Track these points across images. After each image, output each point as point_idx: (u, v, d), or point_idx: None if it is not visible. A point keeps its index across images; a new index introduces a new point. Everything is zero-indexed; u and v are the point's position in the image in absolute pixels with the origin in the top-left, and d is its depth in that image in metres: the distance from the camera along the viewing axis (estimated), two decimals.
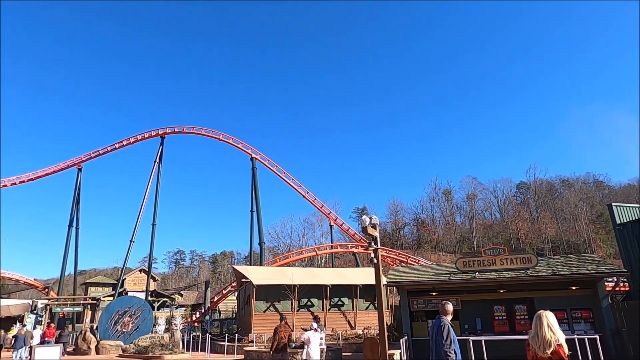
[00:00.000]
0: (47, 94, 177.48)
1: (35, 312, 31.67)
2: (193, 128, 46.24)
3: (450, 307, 6.60)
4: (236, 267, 30.86)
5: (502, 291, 15.64)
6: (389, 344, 12.09)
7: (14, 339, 24.08)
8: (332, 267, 46.09)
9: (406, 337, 14.56)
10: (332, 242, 48.96)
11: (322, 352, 14.31)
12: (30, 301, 36.63)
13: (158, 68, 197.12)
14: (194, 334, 27.53)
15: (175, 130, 45.98)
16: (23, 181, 45.54)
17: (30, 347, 24.11)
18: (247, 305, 26.81)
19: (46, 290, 60.09)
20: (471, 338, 13.12)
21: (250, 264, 40.41)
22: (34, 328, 28.74)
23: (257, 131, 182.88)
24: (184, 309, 49.80)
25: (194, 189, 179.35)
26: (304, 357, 13.15)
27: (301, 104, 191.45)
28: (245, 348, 19.49)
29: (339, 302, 26.33)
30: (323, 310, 25.46)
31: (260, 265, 36.10)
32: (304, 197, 47.60)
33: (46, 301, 35.66)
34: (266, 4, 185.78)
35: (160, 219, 43.38)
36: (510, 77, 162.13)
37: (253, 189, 42.42)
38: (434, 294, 16.23)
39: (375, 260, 11.57)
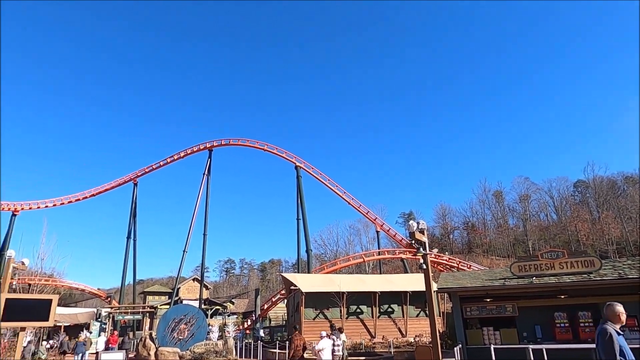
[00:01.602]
0: (100, 107, 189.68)
1: (99, 319, 33.61)
2: (239, 140, 47.59)
3: (617, 308, 4.79)
4: (284, 275, 31.23)
5: (562, 297, 14.75)
6: (442, 352, 11.76)
7: (75, 345, 25.85)
8: (380, 273, 45.54)
9: (460, 345, 14.08)
10: (379, 249, 48.36)
11: (338, 357, 14.31)
12: (95, 309, 39.00)
13: (202, 79, 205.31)
14: (246, 341, 28.08)
15: (222, 143, 47.53)
16: (86, 197, 48.76)
17: (97, 353, 25.71)
18: (296, 312, 27.03)
19: (109, 299, 63.72)
20: (531, 347, 12.48)
21: (298, 272, 40.79)
22: (99, 335, 30.55)
23: (299, 137, 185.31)
24: (235, 316, 50.98)
25: (241, 198, 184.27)
26: None
27: (343, 106, 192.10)
28: (313, 354, 19.63)
29: (389, 309, 25.92)
30: (372, 317, 25.17)
31: (308, 272, 36.33)
32: (349, 203, 47.54)
33: (109, 309, 37.78)
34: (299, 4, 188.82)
35: (211, 229, 45.13)
36: (562, 70, 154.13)
37: (298, 197, 42.91)
38: (488, 300, 15.59)
39: (424, 266, 11.35)
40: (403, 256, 44.69)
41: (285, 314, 39.78)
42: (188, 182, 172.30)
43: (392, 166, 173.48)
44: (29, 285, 34.23)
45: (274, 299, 41.84)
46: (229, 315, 50.12)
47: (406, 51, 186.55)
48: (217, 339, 25.77)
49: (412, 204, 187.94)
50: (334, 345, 14.31)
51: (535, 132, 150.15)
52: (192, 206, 45.12)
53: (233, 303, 61.84)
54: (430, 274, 11.58)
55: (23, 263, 21.71)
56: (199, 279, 49.85)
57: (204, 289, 45.66)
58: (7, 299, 12.70)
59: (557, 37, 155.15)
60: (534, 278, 14.63)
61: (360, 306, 25.54)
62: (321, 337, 14.23)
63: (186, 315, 27.05)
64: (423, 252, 11.43)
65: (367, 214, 49.19)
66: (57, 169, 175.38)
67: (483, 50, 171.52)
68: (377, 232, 49.77)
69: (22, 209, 45.15)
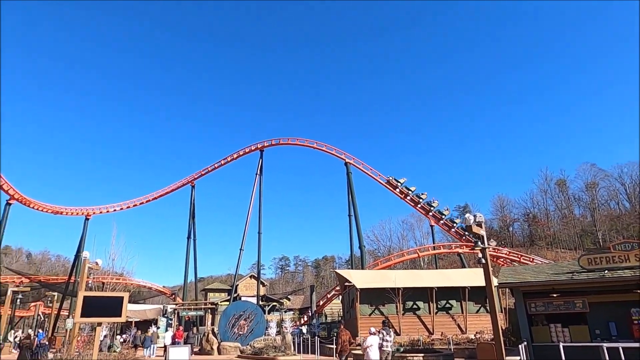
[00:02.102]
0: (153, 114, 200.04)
1: (166, 315, 35.55)
2: (288, 139, 48.28)
3: None
4: (339, 271, 31.35)
5: None
6: (506, 350, 11.29)
7: (144, 339, 27.65)
8: (436, 268, 44.46)
9: (525, 343, 13.43)
10: (434, 243, 47.24)
11: (387, 354, 14.33)
12: (161, 306, 41.34)
13: (249, 81, 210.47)
14: (303, 336, 28.53)
15: (272, 143, 48.47)
16: (149, 200, 51.72)
17: (165, 346, 27.29)
18: (351, 308, 27.05)
19: (173, 296, 67.27)
20: (605, 345, 11.65)
21: (351, 268, 40.78)
22: (166, 330, 32.32)
23: (349, 133, 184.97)
24: (292, 312, 51.93)
25: (294, 196, 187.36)
26: (365, 358, 13.81)
27: (393, 100, 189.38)
28: (353, 351, 19.66)
29: (447, 305, 25.24)
30: (430, 313, 24.64)
31: (362, 268, 36.21)
32: (401, 198, 46.78)
33: (174, 306, 39.88)
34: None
35: (265, 228, 46.32)
36: (629, 49, 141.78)
37: (349, 193, 42.83)
38: (554, 295, 14.73)
39: (483, 261, 10.95)
40: (460, 250, 43.32)
41: (341, 310, 39.98)
42: (242, 182, 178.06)
43: (444, 159, 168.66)
44: (103, 284, 36.86)
45: (329, 295, 42.16)
46: (285, 312, 51.16)
47: (456, 44, 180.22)
48: (275, 335, 26.39)
49: (467, 197, 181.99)
50: (383, 340, 14.33)
51: (599, 115, 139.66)
52: (247, 206, 46.50)
53: (289, 299, 63.04)
54: (490, 269, 11.14)
55: (97, 263, 23.43)
56: (256, 276, 51.30)
57: (260, 285, 46.90)
58: (84, 297, 13.80)
59: (624, 17, 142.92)
60: (606, 271, 13.63)
61: (416, 302, 25.07)
62: (370, 334, 14.33)
63: (245, 312, 27.96)
64: (481, 245, 11.02)
65: (420, 208, 48.17)
66: (124, 175, 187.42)
67: (543, 37, 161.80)
68: (432, 226, 48.62)
69: (94, 213, 48.72)
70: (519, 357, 12.24)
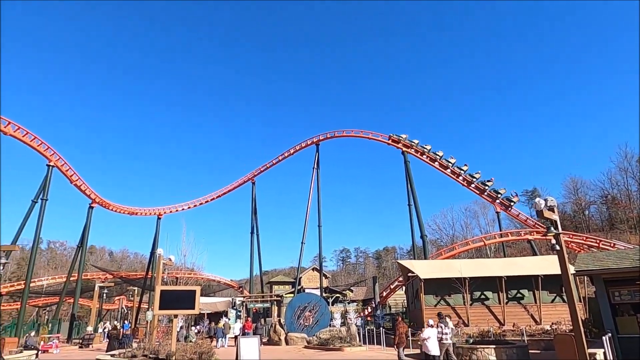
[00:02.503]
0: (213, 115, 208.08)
1: (235, 308, 37.17)
2: (343, 131, 48.18)
3: None
4: (401, 261, 30.90)
5: None
6: (587, 342, 10.54)
7: (216, 330, 29.16)
8: (504, 257, 42.41)
9: (609, 334, 12.45)
10: (500, 230, 45.04)
11: (447, 346, 14.33)
12: (230, 299, 43.25)
13: (303, 78, 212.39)
14: (367, 327, 28.56)
15: (328, 136, 48.64)
16: (213, 198, 54.17)
17: (235, 337, 28.57)
18: (416, 299, 26.61)
19: (240, 289, 70.11)
20: None
21: (414, 258, 40.01)
22: (235, 322, 33.80)
23: (406, 123, 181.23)
24: (355, 304, 52.17)
25: (352, 188, 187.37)
26: (423, 351, 14.30)
27: (453, 84, 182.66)
28: (419, 342, 19.36)
29: (518, 295, 24.04)
30: (500, 303, 23.60)
31: (425, 258, 35.45)
32: (463, 185, 45.09)
33: (242, 298, 41.58)
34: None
35: (325, 220, 46.53)
36: None
37: (408, 182, 41.97)
38: None
39: (557, 247, 10.28)
40: (530, 237, 40.96)
41: (405, 301, 39.46)
42: (300, 177, 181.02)
43: (507, 142, 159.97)
44: (176, 278, 39.19)
45: (392, 286, 41.75)
46: (348, 303, 51.48)
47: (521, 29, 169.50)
48: (340, 326, 26.66)
49: (534, 181, 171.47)
50: (441, 333, 14.29)
51: None
52: (306, 200, 47.17)
53: (352, 291, 63.34)
54: (566, 255, 10.44)
55: (170, 259, 24.98)
56: (318, 268, 52.03)
57: (323, 278, 47.52)
58: (161, 291, 14.77)
59: None
60: None
61: (484, 292, 24.13)
62: (427, 326, 14.45)
63: (310, 303, 28.53)
64: (555, 231, 10.34)
65: (486, 196, 46.16)
66: (191, 176, 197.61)
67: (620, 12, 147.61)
68: (497, 213, 46.34)
69: (164, 212, 51.95)
70: (602, 350, 11.38)
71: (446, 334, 14.35)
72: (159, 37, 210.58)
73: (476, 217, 79.34)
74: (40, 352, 22.46)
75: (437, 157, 44.26)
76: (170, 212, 52.58)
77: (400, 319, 15.13)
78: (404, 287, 34.01)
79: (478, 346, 15.48)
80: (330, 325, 26.96)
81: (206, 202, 54.07)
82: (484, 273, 24.13)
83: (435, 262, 29.94)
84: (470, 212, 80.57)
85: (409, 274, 27.79)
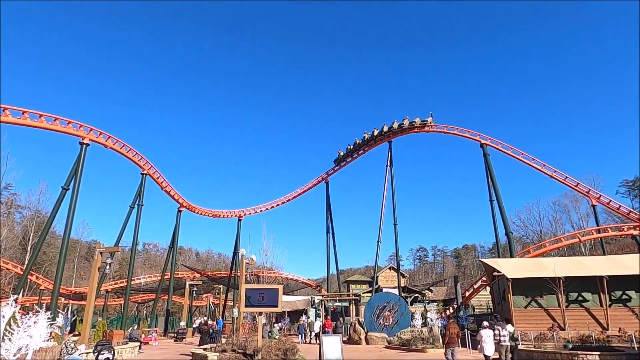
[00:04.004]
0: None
1: (314, 306, 37.83)
2: (415, 127, 46.93)
3: None
4: (485, 260, 29.30)
5: None
6: None
7: (297, 327, 29.85)
8: (603, 254, 38.47)
9: None
10: (597, 225, 40.91)
11: (505, 348, 14.34)
12: (309, 297, 44.16)
13: (369, 75, 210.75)
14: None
15: (400, 134, 47.69)
16: (289, 199, 55.64)
17: (316, 334, 29.10)
18: (503, 300, 25.11)
19: (318, 288, 71.31)
20: None
21: (497, 256, 37.73)
22: (315, 320, 34.39)
23: (486, 116, 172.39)
24: (435, 304, 50.56)
25: (427, 185, 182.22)
26: (479, 352, 14.84)
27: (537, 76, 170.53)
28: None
29: (623, 297, 21.64)
30: (601, 306, 21.44)
31: (511, 256, 33.29)
32: (551, 177, 41.67)
33: (320, 297, 42.20)
34: None
35: (400, 218, 45.68)
36: None
37: (488, 176, 39.72)
38: None
39: None
40: (634, 232, 36.73)
41: (490, 302, 37.41)
42: (373, 175, 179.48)
43: (602, 125, 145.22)
44: (258, 277, 40.79)
45: (475, 286, 39.85)
46: (428, 303, 50.03)
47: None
48: (421, 327, 25.98)
49: (636, 169, 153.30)
50: (499, 335, 14.33)
51: None
52: (380, 198, 46.65)
53: (431, 291, 61.46)
54: None
55: (252, 259, 26.11)
56: (395, 267, 51.17)
57: (400, 277, 46.68)
58: (246, 289, 15.47)
59: None
60: None
61: (582, 293, 22.08)
62: (483, 327, 14.76)
63: (389, 303, 28.17)
64: None
65: (576, 186, 42.21)
66: (268, 177, 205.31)
67: None
68: (593, 206, 42.21)
69: (244, 214, 54.49)
70: None
71: (504, 335, 14.42)
72: (238, 40, 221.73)
73: (567, 212, 72.73)
74: (142, 344, 24.64)
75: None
76: (250, 213, 54.93)
77: (451, 320, 15.90)
78: (488, 287, 32.25)
79: (579, 352, 14.17)
80: (410, 326, 26.38)
81: (282, 203, 55.70)
82: (581, 272, 22.11)
83: (523, 261, 28.00)
84: (560, 206, 74.01)
85: (494, 274, 26.27)
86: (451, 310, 40.17)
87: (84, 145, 31.26)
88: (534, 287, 22.32)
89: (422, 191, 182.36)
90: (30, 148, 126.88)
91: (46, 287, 45.96)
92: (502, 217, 37.11)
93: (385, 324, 27.59)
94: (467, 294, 40.02)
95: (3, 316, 12.73)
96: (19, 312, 14.16)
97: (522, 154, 42.29)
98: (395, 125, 46.95)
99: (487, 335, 14.27)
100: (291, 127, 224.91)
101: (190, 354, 17.68)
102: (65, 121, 30.34)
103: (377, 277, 50.44)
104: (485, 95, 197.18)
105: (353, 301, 45.70)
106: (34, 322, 12.57)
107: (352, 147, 50.47)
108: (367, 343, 26.34)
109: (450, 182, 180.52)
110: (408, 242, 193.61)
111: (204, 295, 64.78)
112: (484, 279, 36.41)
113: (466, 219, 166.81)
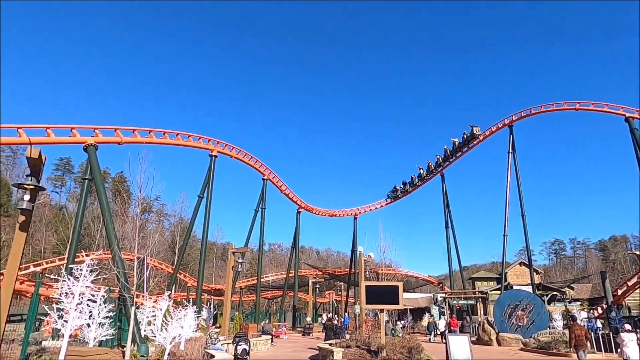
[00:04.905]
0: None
1: (437, 304, 36.57)
2: (541, 107, 42.27)
3: None
4: None
5: None
6: None
7: (427, 325, 29.09)
8: None
9: None
10: None
11: None
12: (432, 295, 42.84)
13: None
14: (601, 331, 24.10)
15: (522, 115, 43.42)
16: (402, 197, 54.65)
17: (441, 333, 28.10)
18: None
19: (440, 285, 68.80)
20: None
21: None
22: (439, 318, 33.23)
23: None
24: (579, 303, 44.95)
25: (559, 169, 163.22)
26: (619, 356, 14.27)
27: None
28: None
29: None
30: None
31: None
32: None
33: (443, 295, 40.64)
34: None
35: (529, 209, 41.20)
36: None
37: (638, 154, 33.95)
38: None
39: None
40: None
41: None
42: (493, 164, 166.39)
43: None
44: (377, 274, 40.92)
45: (629, 283, 34.41)
46: (569, 302, 44.67)
47: None
48: (563, 328, 23.30)
49: None
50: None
51: None
52: (503, 188, 43.14)
53: (572, 288, 54.72)
54: None
55: (370, 256, 26.24)
56: (526, 262, 46.82)
57: (533, 273, 42.52)
58: (366, 286, 15.56)
59: None
60: None
61: None
62: (624, 331, 14.17)
63: (521, 301, 25.92)
64: None
65: None
66: (379, 174, 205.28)
67: None
68: None
69: (360, 212, 55.21)
70: None
71: None
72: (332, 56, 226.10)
73: None
74: (273, 337, 26.52)
75: None
76: (365, 211, 55.41)
77: (574, 322, 15.54)
78: None
79: None
80: (549, 327, 23.86)
81: (397, 199, 55.07)
82: None
83: None
84: None
85: None
86: (600, 311, 35.31)
87: (213, 157, 34.79)
88: None
89: (552, 178, 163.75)
90: (168, 162, 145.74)
91: (192, 284, 52.29)
92: None
93: (519, 324, 25.40)
94: (620, 292, 34.74)
95: (160, 309, 14.83)
96: (172, 306, 16.33)
97: None
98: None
99: (629, 339, 13.56)
100: (394, 117, 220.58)
101: (317, 348, 18.44)
102: (196, 137, 34.11)
103: (506, 273, 46.77)
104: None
105: (480, 299, 43.04)
106: (184, 315, 14.40)
107: (467, 134, 47.61)
108: (499, 344, 24.54)
109: (588, 164, 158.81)
110: (540, 235, 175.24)
111: (327, 292, 67.19)
112: None
113: (612, 206, 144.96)
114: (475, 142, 47.52)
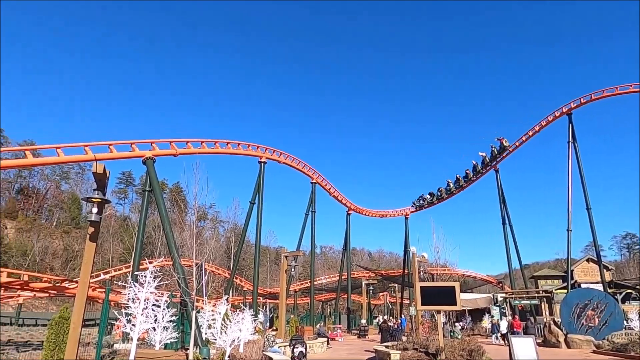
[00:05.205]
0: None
1: (497, 304, 35.02)
2: (603, 91, 39.40)
3: None
4: None
5: None
6: None
7: (490, 327, 28.02)
8: None
9: None
10: None
11: None
12: (491, 295, 41.08)
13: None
14: None
15: (582, 102, 40.63)
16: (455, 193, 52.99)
17: (502, 335, 26.88)
18: None
19: (500, 284, 65.91)
20: None
21: None
22: (500, 319, 31.80)
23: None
24: None
25: (625, 158, 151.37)
26: None
27: None
28: None
29: None
30: None
31: None
32: None
33: (504, 294, 38.86)
34: None
35: (595, 201, 38.47)
36: None
37: None
38: None
39: None
40: None
41: None
42: (548, 155, 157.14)
43: None
44: (432, 274, 39.91)
45: None
46: None
47: None
48: None
49: None
50: None
51: None
52: (564, 180, 40.61)
53: None
54: None
55: (424, 257, 25.67)
56: (594, 259, 43.70)
57: (603, 270, 39.61)
58: (421, 287, 15.25)
59: None
60: None
61: None
62: None
63: (591, 301, 24.23)
64: None
65: None
66: (426, 171, 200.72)
67: None
68: None
69: (411, 212, 54.25)
70: None
71: None
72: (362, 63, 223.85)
73: None
74: (329, 339, 26.60)
75: None
76: (416, 211, 54.32)
77: None
78: None
79: None
80: (624, 328, 22.06)
81: (422, 208, 53.58)
82: None
83: None
84: None
85: None
86: None
87: (262, 164, 35.57)
88: None
89: (617, 167, 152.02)
90: (219, 170, 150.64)
91: (248, 288, 53.78)
92: None
93: (590, 325, 23.73)
94: None
95: (219, 313, 15.35)
96: (230, 310, 16.85)
97: None
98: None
99: None
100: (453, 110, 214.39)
101: (374, 350, 18.27)
102: (245, 145, 35.05)
103: (572, 271, 43.86)
104: None
105: (544, 299, 40.68)
106: (242, 318, 14.81)
107: (496, 148, 46.62)
108: (568, 346, 23.04)
109: None
110: (609, 229, 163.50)
111: (380, 293, 66.42)
112: None
113: None
114: (504, 155, 46.87)
